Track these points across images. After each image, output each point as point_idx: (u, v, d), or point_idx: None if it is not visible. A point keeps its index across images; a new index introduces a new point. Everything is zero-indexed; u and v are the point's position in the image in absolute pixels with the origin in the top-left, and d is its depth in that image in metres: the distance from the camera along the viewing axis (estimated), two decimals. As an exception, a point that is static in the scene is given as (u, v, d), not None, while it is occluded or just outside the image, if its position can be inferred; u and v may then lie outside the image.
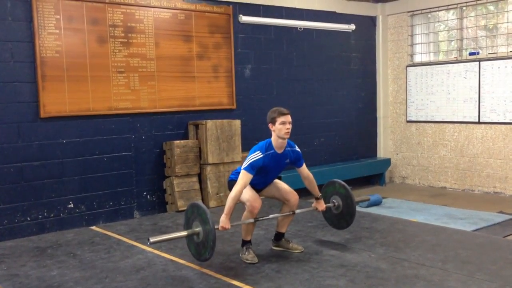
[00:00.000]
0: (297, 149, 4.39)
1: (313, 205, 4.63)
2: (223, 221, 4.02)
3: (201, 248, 3.99)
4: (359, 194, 7.41)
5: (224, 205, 6.39)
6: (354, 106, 8.56)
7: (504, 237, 5.26)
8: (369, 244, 4.70)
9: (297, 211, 4.51)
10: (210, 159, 6.36)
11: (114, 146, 6.01)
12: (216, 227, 3.92)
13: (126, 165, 6.10)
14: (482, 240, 4.94)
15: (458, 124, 7.97)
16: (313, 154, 8.02)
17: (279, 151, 4.22)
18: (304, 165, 4.46)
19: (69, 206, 5.70)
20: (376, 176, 8.63)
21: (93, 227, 5.70)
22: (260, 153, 4.15)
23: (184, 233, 4.07)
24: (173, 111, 6.45)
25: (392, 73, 8.88)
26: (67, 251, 4.80)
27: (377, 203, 6.94)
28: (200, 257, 4.03)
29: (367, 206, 6.79)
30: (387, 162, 8.70)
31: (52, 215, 5.58)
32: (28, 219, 5.44)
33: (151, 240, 3.88)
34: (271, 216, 4.47)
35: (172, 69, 6.39)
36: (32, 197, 5.45)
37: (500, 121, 7.46)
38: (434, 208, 6.74)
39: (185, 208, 6.13)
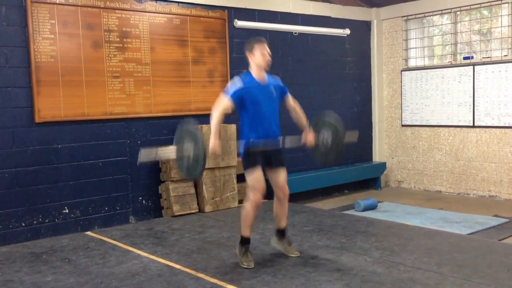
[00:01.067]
0: (279, 80, 4.41)
1: (302, 137, 4.49)
2: (213, 142, 4.07)
3: (192, 166, 4.03)
4: (354, 199, 7.42)
5: (219, 210, 6.43)
6: (349, 110, 8.58)
7: (500, 240, 5.27)
8: (365, 248, 4.71)
9: (287, 141, 4.37)
10: (206, 164, 6.34)
11: (110, 151, 6.00)
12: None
13: (121, 170, 6.09)
14: (478, 243, 4.95)
15: (453, 128, 7.99)
16: (308, 158, 7.98)
17: (262, 82, 4.25)
18: (289, 94, 4.46)
19: (64, 211, 5.67)
20: (371, 180, 8.65)
21: (88, 233, 5.68)
22: (240, 80, 4.21)
23: (174, 152, 4.13)
24: (168, 116, 6.44)
25: (387, 77, 8.91)
26: (62, 256, 4.77)
27: (372, 207, 6.95)
28: (192, 174, 4.13)
29: (363, 210, 6.79)
30: (382, 166, 8.72)
31: (47, 220, 5.55)
32: (23, 224, 5.41)
33: (142, 156, 4.03)
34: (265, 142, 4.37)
35: (167, 73, 6.39)
36: (27, 202, 5.42)
37: (494, 125, 7.49)
38: (429, 212, 6.76)
39: (181, 213, 6.17)
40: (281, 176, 4.42)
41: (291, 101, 4.50)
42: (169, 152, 4.18)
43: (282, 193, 4.42)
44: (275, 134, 4.35)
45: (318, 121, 4.65)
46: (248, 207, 4.24)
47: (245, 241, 4.31)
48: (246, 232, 4.31)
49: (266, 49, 4.26)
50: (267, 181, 4.39)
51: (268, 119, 4.30)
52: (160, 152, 4.40)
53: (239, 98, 4.19)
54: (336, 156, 4.62)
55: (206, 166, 6.26)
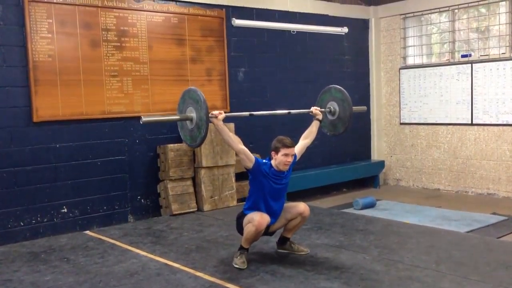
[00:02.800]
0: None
1: (311, 109, 4.73)
2: (216, 111, 4.13)
3: (195, 131, 4.05)
4: (353, 197, 7.43)
5: (218, 209, 6.42)
6: (347, 109, 8.57)
7: (498, 238, 5.28)
8: (364, 246, 4.71)
9: (293, 111, 4.78)
10: (204, 163, 6.35)
11: (108, 150, 5.99)
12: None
13: (119, 169, 6.08)
14: (476, 241, 4.96)
15: (451, 126, 8.00)
16: (307, 157, 7.97)
17: (279, 172, 4.25)
18: (297, 149, 4.45)
19: (63, 210, 5.67)
20: (370, 178, 8.65)
21: (87, 232, 5.68)
22: (266, 161, 4.25)
23: (178, 116, 4.18)
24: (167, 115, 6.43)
25: (385, 75, 8.91)
26: (60, 256, 4.77)
27: (371, 206, 6.95)
28: (194, 141, 4.11)
29: (361, 209, 6.80)
30: (381, 164, 8.72)
31: (45, 220, 5.55)
32: (21, 224, 5.40)
33: (143, 119, 4.03)
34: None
35: (165, 72, 6.38)
36: (25, 202, 5.42)
37: (492, 122, 7.50)
38: (428, 210, 6.77)
39: (179, 212, 6.17)
40: (293, 206, 4.37)
41: (302, 143, 4.58)
42: (172, 117, 4.23)
43: (307, 211, 4.35)
44: (276, 215, 4.36)
45: (325, 92, 4.95)
46: (251, 228, 4.14)
47: (243, 249, 4.30)
48: (245, 245, 4.28)
49: (291, 152, 4.20)
50: None
51: (275, 205, 4.28)
52: (162, 117, 4.47)
53: (257, 166, 4.18)
54: (345, 124, 4.84)
55: (205, 165, 6.31)
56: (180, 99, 4.26)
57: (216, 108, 6.86)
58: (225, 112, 4.31)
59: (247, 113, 4.61)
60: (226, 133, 4.17)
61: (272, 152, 4.23)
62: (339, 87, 4.93)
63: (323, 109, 4.84)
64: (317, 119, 4.72)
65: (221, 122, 4.15)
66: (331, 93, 4.94)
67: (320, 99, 5.00)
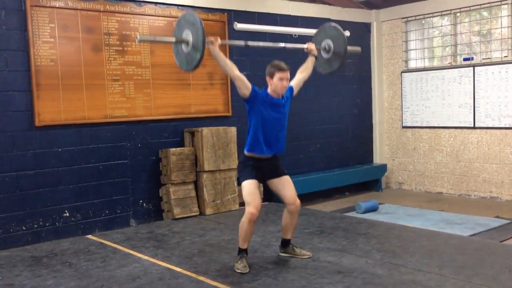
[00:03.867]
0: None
1: (306, 44, 4.69)
2: (212, 37, 4.09)
3: (192, 53, 4.02)
4: (355, 200, 7.41)
5: (220, 213, 6.42)
6: (349, 112, 8.58)
7: (501, 241, 5.25)
8: (366, 250, 4.70)
9: (288, 45, 4.80)
10: (206, 166, 6.35)
11: (110, 154, 6.00)
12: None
13: (121, 173, 6.08)
14: (479, 245, 4.94)
15: (454, 129, 7.98)
16: (309, 161, 8.02)
17: (276, 98, 4.28)
18: (291, 84, 4.47)
19: (65, 215, 5.67)
20: (372, 182, 8.63)
21: (89, 236, 5.67)
22: (262, 90, 4.25)
23: (173, 38, 4.18)
24: (168, 119, 6.44)
25: (387, 79, 8.90)
26: (62, 260, 4.77)
27: (373, 209, 6.93)
28: (192, 63, 4.07)
29: (364, 212, 6.78)
30: (383, 168, 8.70)
31: (47, 224, 5.55)
32: (24, 228, 5.40)
33: (139, 37, 4.05)
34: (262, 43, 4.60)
35: (167, 76, 6.39)
36: (27, 206, 5.42)
37: (495, 126, 7.48)
38: (430, 214, 6.74)
39: (181, 216, 6.16)
40: (288, 190, 4.36)
41: (297, 77, 4.58)
42: (168, 38, 4.26)
43: (294, 208, 4.37)
44: (281, 150, 4.37)
45: (319, 31, 4.92)
46: (243, 221, 4.20)
47: (242, 251, 4.29)
48: (242, 245, 4.27)
49: (286, 76, 4.23)
50: (265, 186, 4.39)
51: (275, 137, 4.29)
52: (158, 38, 4.53)
53: (254, 93, 4.18)
54: (340, 60, 4.78)
55: (207, 169, 6.30)
56: (176, 24, 4.23)
57: (218, 112, 6.90)
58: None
59: (242, 43, 4.62)
60: (223, 59, 4.11)
61: (267, 77, 4.25)
62: (334, 24, 4.89)
63: (318, 46, 4.81)
64: (313, 55, 4.71)
65: (217, 48, 4.10)
66: (325, 31, 4.89)
67: (315, 38, 4.95)
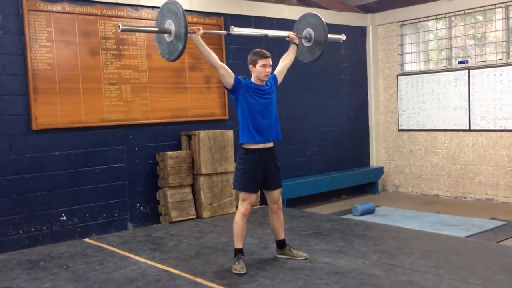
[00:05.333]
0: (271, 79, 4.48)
1: (287, 33, 4.79)
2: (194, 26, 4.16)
3: (175, 43, 4.04)
4: (352, 203, 7.43)
5: (218, 216, 6.42)
6: (346, 116, 8.61)
7: (497, 242, 5.28)
8: (363, 251, 4.71)
9: (270, 33, 4.97)
10: (203, 170, 6.36)
11: (107, 158, 6.00)
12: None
13: (118, 177, 6.09)
14: (475, 246, 4.97)
15: (449, 132, 8.03)
16: (306, 164, 8.04)
17: (261, 85, 4.35)
18: (276, 69, 4.59)
19: (62, 218, 5.67)
20: (369, 184, 8.66)
21: (86, 239, 5.67)
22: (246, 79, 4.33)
23: (156, 28, 4.19)
24: (165, 122, 6.45)
25: (383, 82, 8.95)
26: (59, 263, 4.76)
27: (370, 212, 6.95)
28: (174, 53, 4.09)
29: (360, 215, 6.80)
30: (379, 170, 8.73)
31: (44, 227, 5.55)
32: (20, 232, 5.40)
33: (121, 27, 4.02)
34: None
35: (164, 80, 6.41)
36: (24, 210, 5.42)
37: (490, 128, 7.52)
38: (427, 216, 6.77)
39: (178, 219, 6.17)
40: (276, 193, 4.47)
41: (281, 65, 4.65)
42: (150, 28, 4.28)
43: (277, 206, 4.48)
44: (274, 138, 4.41)
45: (300, 20, 5.01)
46: (237, 217, 4.29)
47: (238, 252, 4.32)
48: (238, 244, 4.31)
49: (269, 63, 4.31)
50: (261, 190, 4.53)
51: (265, 124, 4.32)
52: (141, 27, 4.57)
53: (237, 82, 4.24)
54: (321, 48, 4.86)
55: (204, 172, 6.31)
56: (159, 12, 4.24)
57: (215, 115, 6.92)
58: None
59: (225, 32, 4.67)
60: (205, 49, 4.16)
61: (250, 65, 4.33)
62: (314, 12, 5.00)
63: (299, 35, 4.88)
64: (294, 43, 4.78)
65: (200, 37, 4.14)
66: (306, 20, 4.97)
67: (296, 27, 5.03)
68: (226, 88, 4.38)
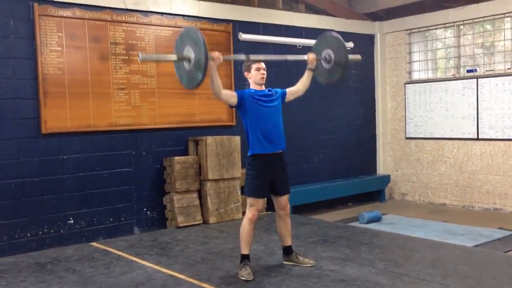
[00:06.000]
0: (274, 89, 4.51)
1: (306, 56, 4.65)
2: (215, 53, 4.09)
3: (194, 72, 3.97)
4: (359, 211, 7.41)
5: (224, 222, 6.43)
6: (353, 123, 8.61)
7: (505, 252, 5.25)
8: (369, 259, 4.70)
9: (289, 57, 4.77)
10: (210, 175, 6.37)
11: (115, 162, 6.04)
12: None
13: (126, 181, 6.12)
14: (482, 255, 4.94)
15: (457, 141, 8.00)
16: (312, 171, 8.04)
17: (263, 91, 4.38)
18: (287, 90, 4.58)
19: (69, 222, 5.70)
20: (376, 192, 8.63)
21: (93, 243, 5.69)
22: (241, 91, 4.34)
23: (175, 56, 4.07)
24: (173, 127, 6.49)
25: (390, 90, 8.95)
26: (66, 266, 4.79)
27: (377, 220, 6.93)
28: (193, 82, 4.04)
29: (367, 223, 6.78)
30: (386, 178, 8.71)
31: (52, 231, 5.58)
32: (28, 235, 5.43)
33: (141, 56, 3.95)
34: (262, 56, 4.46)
35: (172, 86, 6.43)
36: (32, 213, 5.45)
37: (498, 137, 7.49)
38: (434, 225, 6.74)
39: (185, 225, 6.18)
40: (284, 198, 4.48)
41: (291, 89, 4.64)
42: (170, 56, 4.20)
43: (284, 212, 4.49)
44: (282, 146, 4.42)
45: (320, 40, 4.82)
46: (244, 223, 4.30)
47: (244, 258, 4.32)
48: (244, 250, 4.32)
49: (262, 66, 4.37)
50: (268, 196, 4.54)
51: (275, 128, 4.35)
52: (159, 55, 4.49)
53: (241, 98, 4.27)
54: (341, 71, 4.67)
55: (211, 177, 6.32)
56: (178, 38, 4.16)
57: (222, 121, 6.95)
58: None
59: (243, 57, 4.47)
60: (217, 79, 4.16)
61: (245, 73, 4.40)
62: (335, 34, 4.77)
63: (318, 57, 4.72)
64: (310, 69, 4.67)
65: (216, 67, 4.12)
66: (326, 40, 4.75)
67: (315, 47, 4.83)
68: (232, 107, 4.42)
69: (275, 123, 4.36)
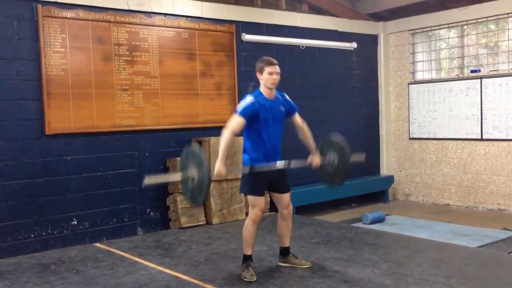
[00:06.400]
0: (287, 97, 4.42)
1: (308, 159, 4.53)
2: (219, 167, 4.03)
3: (196, 192, 3.96)
4: (362, 212, 7.40)
5: (227, 222, 6.43)
6: (356, 124, 8.60)
7: (509, 253, 5.23)
8: (373, 260, 4.69)
9: (292, 163, 4.35)
10: (213, 176, 6.36)
11: (118, 163, 6.04)
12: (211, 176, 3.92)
13: (129, 182, 6.12)
14: (486, 256, 4.93)
15: (461, 141, 7.98)
16: (316, 171, 8.00)
17: (271, 100, 4.25)
18: (297, 114, 4.46)
19: (73, 223, 5.71)
20: (379, 193, 8.62)
21: (97, 244, 5.70)
22: (251, 97, 4.20)
23: (179, 177, 4.08)
24: (176, 128, 6.49)
25: (394, 90, 8.93)
26: (70, 267, 4.80)
27: (380, 220, 6.92)
28: (195, 200, 4.07)
29: (370, 223, 6.77)
30: (390, 179, 8.69)
31: (55, 231, 5.59)
32: (32, 235, 5.44)
33: (146, 181, 3.95)
34: (270, 164, 4.28)
35: (175, 86, 6.45)
36: (36, 213, 5.47)
37: (502, 137, 7.47)
38: (438, 225, 6.72)
39: (188, 225, 6.18)
40: (285, 197, 4.44)
41: (299, 119, 4.49)
42: (173, 177, 4.18)
43: (287, 212, 4.45)
44: (278, 155, 4.38)
45: (324, 142, 4.68)
46: (247, 223, 4.27)
47: (247, 259, 4.32)
48: (247, 251, 4.31)
49: (276, 70, 4.26)
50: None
51: (274, 139, 4.32)
52: (164, 177, 4.49)
53: (250, 115, 4.16)
54: (342, 176, 4.62)
55: (213, 179, 6.31)
56: (183, 153, 4.14)
57: (226, 121, 6.93)
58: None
59: (247, 169, 4.23)
60: (225, 150, 4.11)
61: (257, 73, 4.27)
62: (340, 140, 4.62)
63: (323, 160, 4.57)
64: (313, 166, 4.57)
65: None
66: (331, 144, 4.65)
67: (320, 148, 4.69)
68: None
69: (276, 133, 4.32)
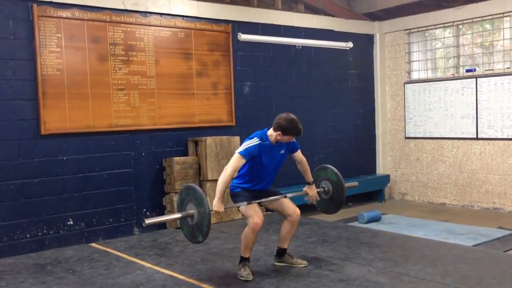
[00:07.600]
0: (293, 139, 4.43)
1: (304, 189, 4.62)
2: (216, 205, 4.01)
3: (195, 231, 3.97)
4: (358, 211, 7.42)
5: (223, 222, 6.43)
6: (352, 123, 8.61)
7: (504, 251, 5.25)
8: (369, 259, 4.70)
9: (289, 195, 4.46)
10: (210, 176, 6.38)
11: (114, 163, 6.04)
12: (211, 210, 3.90)
13: (125, 182, 6.12)
14: (482, 254, 4.94)
15: (457, 140, 8.00)
16: (312, 171, 8.01)
17: (274, 143, 4.26)
18: (299, 151, 4.50)
19: (69, 223, 5.70)
20: (375, 192, 8.64)
21: (93, 244, 5.69)
22: (257, 139, 4.17)
23: (178, 215, 4.05)
24: (172, 128, 6.49)
25: (390, 90, 8.95)
26: (66, 267, 4.79)
27: (376, 219, 6.94)
28: (193, 239, 4.04)
29: (367, 222, 6.78)
30: (386, 178, 8.71)
31: (51, 232, 5.58)
32: (28, 236, 5.43)
33: (146, 221, 3.91)
34: (270, 199, 4.31)
35: (172, 86, 6.45)
36: (32, 214, 5.45)
37: (498, 137, 7.50)
38: (433, 224, 6.74)
39: (184, 225, 6.17)
40: (286, 202, 4.42)
41: (299, 155, 4.54)
42: (174, 216, 4.20)
43: (295, 217, 4.42)
44: (269, 184, 4.44)
45: (321, 170, 4.86)
46: (247, 231, 4.22)
47: (244, 259, 4.32)
48: (245, 254, 4.30)
49: (293, 141, 4.31)
50: None
51: (268, 176, 4.36)
52: (164, 217, 4.57)
53: (252, 156, 4.15)
54: (337, 206, 4.79)
55: (210, 178, 6.32)
56: (184, 190, 4.12)
57: (222, 121, 6.94)
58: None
59: (245, 203, 4.18)
60: (223, 189, 4.08)
61: (279, 131, 4.15)
62: (335, 170, 4.75)
63: (318, 189, 4.72)
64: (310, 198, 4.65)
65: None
66: (327, 173, 4.79)
67: (316, 174, 4.84)
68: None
69: (273, 170, 4.36)
